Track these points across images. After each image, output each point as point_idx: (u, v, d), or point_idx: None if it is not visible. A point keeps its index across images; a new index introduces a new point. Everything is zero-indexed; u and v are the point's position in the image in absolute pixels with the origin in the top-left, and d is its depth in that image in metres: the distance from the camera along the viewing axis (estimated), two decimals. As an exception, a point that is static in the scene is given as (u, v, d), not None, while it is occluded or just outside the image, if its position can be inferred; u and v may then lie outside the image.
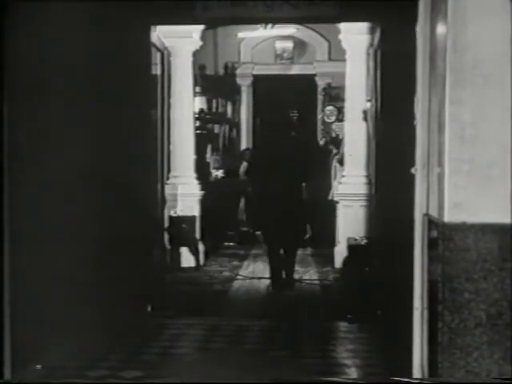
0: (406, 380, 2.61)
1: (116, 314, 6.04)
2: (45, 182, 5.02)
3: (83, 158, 5.58)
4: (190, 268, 9.43)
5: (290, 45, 13.53)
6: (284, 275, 7.90)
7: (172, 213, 9.36)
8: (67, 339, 5.34)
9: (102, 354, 5.55)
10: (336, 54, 11.98)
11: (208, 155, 12.37)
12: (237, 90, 13.81)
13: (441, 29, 3.78)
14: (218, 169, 12.30)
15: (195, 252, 9.59)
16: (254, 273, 9.41)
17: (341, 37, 9.51)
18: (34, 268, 4.83)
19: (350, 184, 9.53)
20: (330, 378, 4.95)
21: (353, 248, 8.30)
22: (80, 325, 5.40)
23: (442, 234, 3.64)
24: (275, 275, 7.82)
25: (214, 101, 13.00)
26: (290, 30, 12.53)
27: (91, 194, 5.68)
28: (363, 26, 8.83)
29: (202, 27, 9.51)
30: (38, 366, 4.91)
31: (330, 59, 13.18)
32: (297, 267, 8.80)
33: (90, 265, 5.55)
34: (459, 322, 3.64)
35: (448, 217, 3.65)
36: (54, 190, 5.14)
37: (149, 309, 6.99)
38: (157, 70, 8.80)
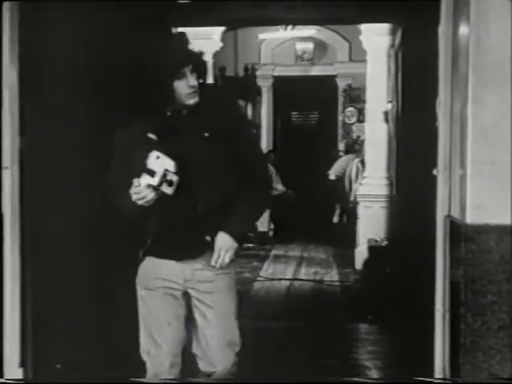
0: (429, 380, 2.60)
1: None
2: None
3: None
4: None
5: (310, 46, 13.52)
6: None
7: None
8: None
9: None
10: (357, 55, 11.95)
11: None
12: (257, 92, 13.81)
13: (463, 29, 3.76)
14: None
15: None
16: (274, 274, 9.41)
17: (362, 38, 9.49)
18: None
19: (370, 185, 9.52)
20: (350, 378, 4.95)
21: (373, 249, 8.30)
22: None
23: (465, 236, 3.62)
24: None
25: (235, 102, 13.01)
26: (311, 31, 12.50)
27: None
28: (384, 27, 8.82)
29: (222, 29, 9.53)
30: (58, 366, 4.92)
31: (350, 60, 13.14)
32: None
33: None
34: (482, 324, 3.61)
35: (470, 218, 3.63)
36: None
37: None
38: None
